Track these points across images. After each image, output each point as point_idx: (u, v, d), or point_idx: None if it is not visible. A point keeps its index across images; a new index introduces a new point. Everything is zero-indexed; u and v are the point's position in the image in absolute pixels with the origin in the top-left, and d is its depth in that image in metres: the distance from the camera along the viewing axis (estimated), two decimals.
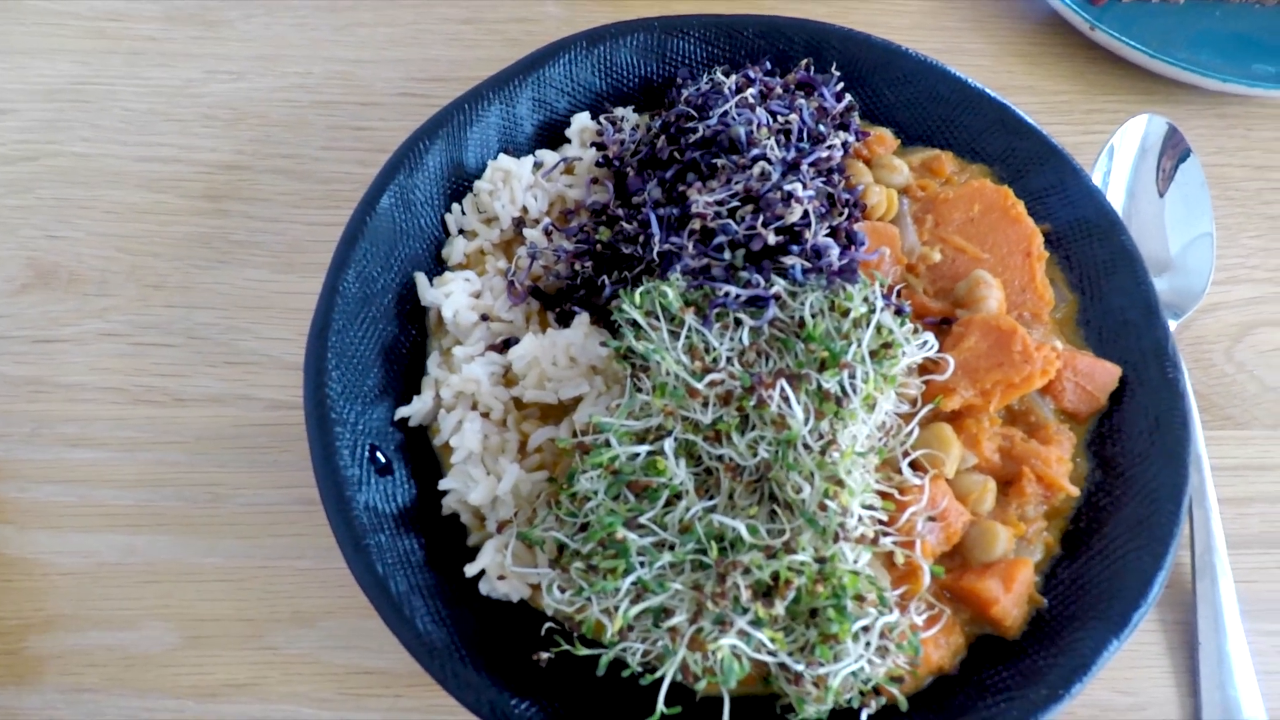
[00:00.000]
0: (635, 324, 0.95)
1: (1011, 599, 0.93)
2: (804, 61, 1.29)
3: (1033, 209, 1.21)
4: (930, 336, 0.99)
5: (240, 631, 1.11)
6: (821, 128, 1.14)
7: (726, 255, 0.98)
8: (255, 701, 1.08)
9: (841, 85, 1.26)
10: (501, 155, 1.21)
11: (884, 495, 0.93)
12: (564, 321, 1.11)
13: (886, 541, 0.89)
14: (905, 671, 0.87)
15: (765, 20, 1.33)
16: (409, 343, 1.13)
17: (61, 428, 1.21)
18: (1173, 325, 1.31)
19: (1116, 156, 1.39)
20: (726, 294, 0.94)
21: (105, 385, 1.25)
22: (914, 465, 0.96)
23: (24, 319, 1.29)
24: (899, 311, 1.01)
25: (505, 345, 1.09)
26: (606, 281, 1.08)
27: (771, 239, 0.96)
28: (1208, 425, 1.28)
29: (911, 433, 0.97)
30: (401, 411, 1.07)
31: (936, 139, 1.30)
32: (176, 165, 1.45)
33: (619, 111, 1.28)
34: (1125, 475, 1.02)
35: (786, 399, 0.85)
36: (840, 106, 1.21)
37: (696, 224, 0.99)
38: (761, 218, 0.97)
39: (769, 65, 1.29)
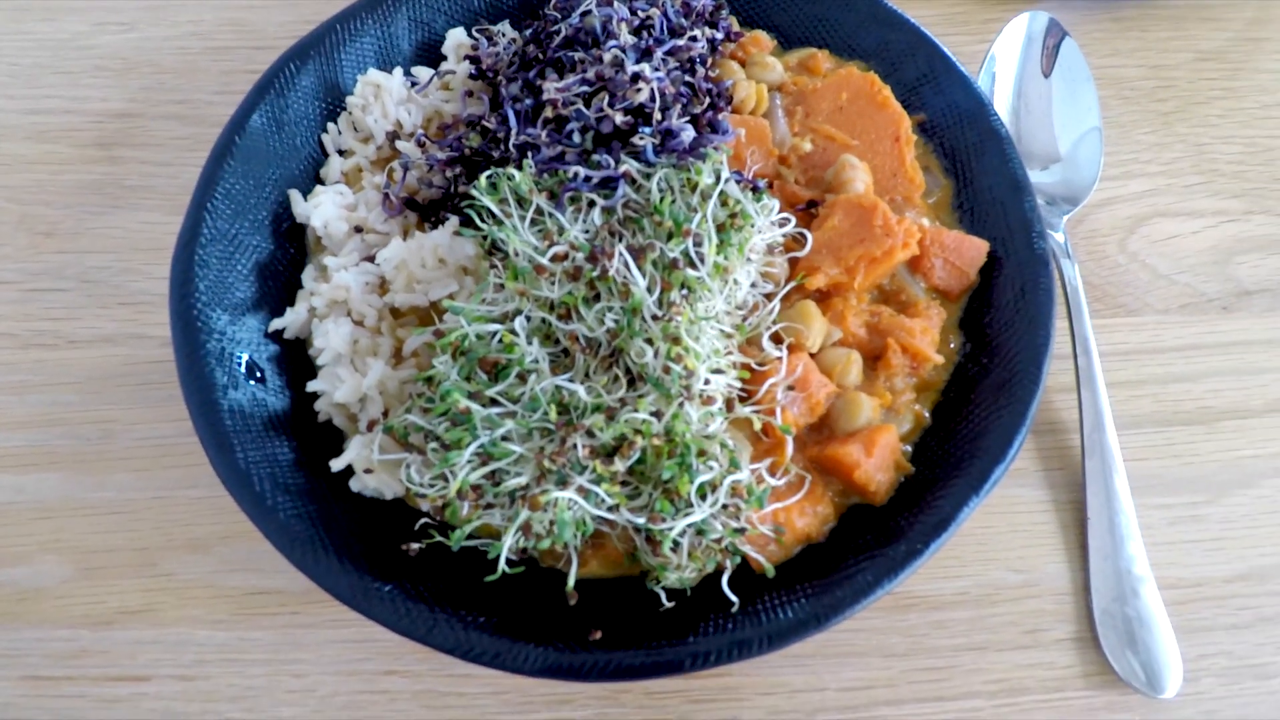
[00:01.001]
0: (492, 214, 0.95)
1: (875, 463, 0.94)
2: None
3: (908, 101, 1.22)
4: (775, 203, 0.99)
5: (134, 561, 1.11)
6: (684, 22, 1.14)
7: (577, 139, 0.98)
8: (149, 626, 1.08)
9: None
10: (371, 69, 1.21)
11: (745, 369, 0.93)
12: None
13: (745, 410, 0.89)
14: (761, 534, 0.87)
15: None
16: (287, 260, 1.13)
17: None
18: (1065, 219, 1.33)
19: (1002, 55, 1.40)
20: (576, 175, 0.94)
21: None
22: (775, 339, 0.97)
23: None
24: (754, 188, 1.01)
25: None
26: None
27: (619, 119, 0.96)
28: (1101, 314, 1.29)
29: (773, 310, 0.98)
30: (275, 323, 1.06)
31: (814, 39, 1.30)
32: (66, 116, 1.44)
33: (496, 27, 1.27)
34: (992, 344, 1.03)
35: (629, 266, 0.85)
36: (705, 2, 1.21)
37: (549, 112, 0.99)
38: (608, 99, 0.97)
39: None
